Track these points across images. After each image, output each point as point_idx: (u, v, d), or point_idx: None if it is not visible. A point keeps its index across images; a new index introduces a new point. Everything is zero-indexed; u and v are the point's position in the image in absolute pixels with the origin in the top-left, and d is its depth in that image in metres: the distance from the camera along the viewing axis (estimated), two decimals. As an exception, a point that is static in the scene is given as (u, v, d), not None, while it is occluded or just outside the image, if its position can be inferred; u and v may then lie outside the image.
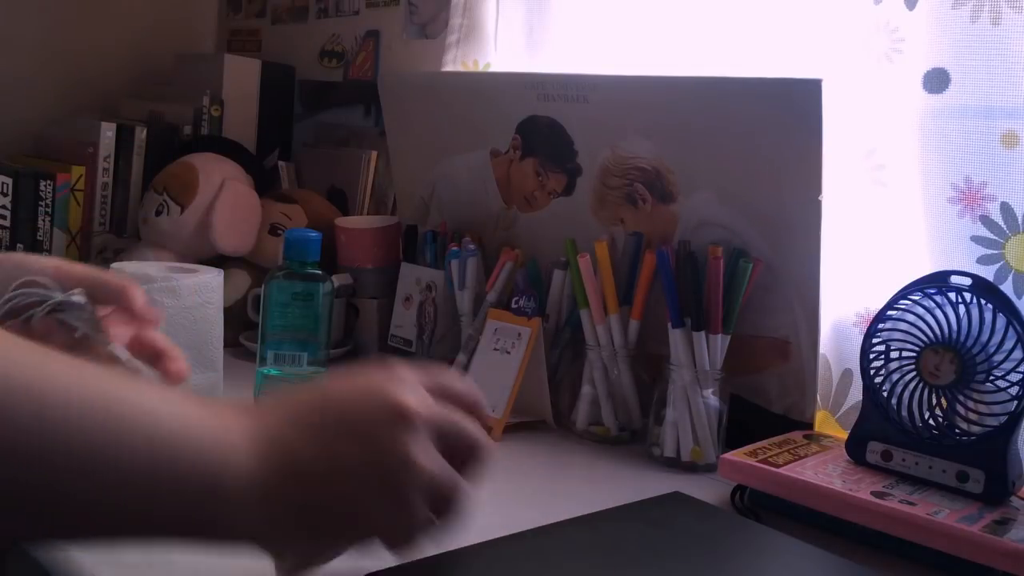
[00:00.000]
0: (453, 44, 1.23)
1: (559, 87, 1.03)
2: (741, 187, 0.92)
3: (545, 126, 1.06)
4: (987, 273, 0.82)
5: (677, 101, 0.95)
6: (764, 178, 0.90)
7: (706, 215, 0.95)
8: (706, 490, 0.83)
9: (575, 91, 1.02)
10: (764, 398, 0.94)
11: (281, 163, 1.42)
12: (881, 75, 0.88)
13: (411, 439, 0.52)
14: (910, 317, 0.78)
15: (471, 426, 0.57)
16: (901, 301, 0.80)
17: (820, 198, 0.86)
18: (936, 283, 0.78)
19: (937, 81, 0.84)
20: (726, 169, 0.93)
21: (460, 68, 1.23)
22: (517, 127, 1.10)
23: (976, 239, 0.84)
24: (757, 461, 0.78)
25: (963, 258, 0.84)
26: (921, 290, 0.79)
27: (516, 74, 1.13)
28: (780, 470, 0.76)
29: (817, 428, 0.92)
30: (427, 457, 0.52)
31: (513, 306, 0.99)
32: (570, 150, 1.05)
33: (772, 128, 0.88)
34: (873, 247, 0.90)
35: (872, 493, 0.73)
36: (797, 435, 0.87)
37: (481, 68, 1.22)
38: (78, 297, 0.67)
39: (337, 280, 1.19)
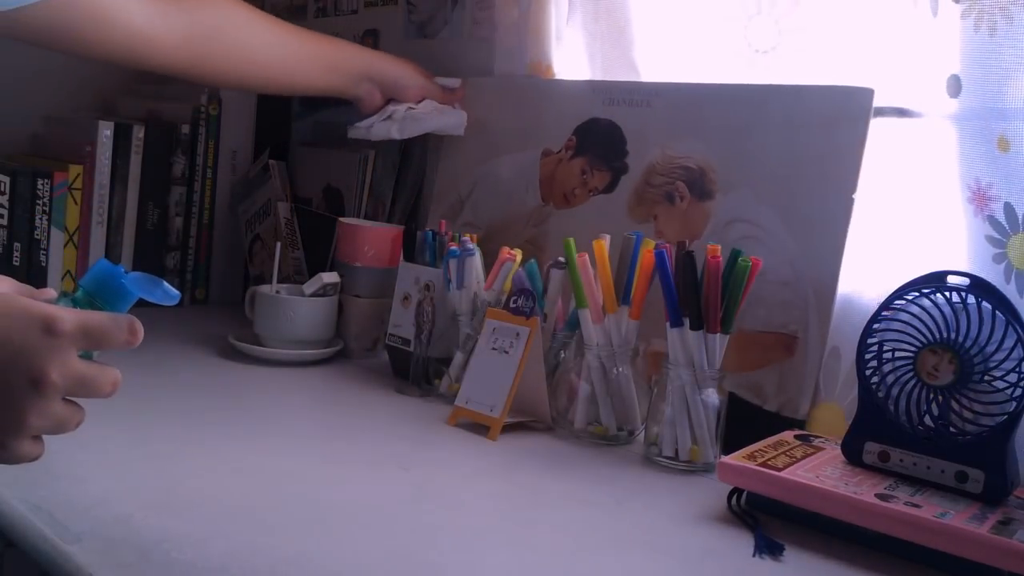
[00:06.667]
0: (513, 46, 1.23)
1: (626, 93, 1.10)
2: (780, 185, 0.96)
3: (603, 127, 1.11)
4: (997, 272, 0.83)
5: (735, 106, 1.01)
6: (804, 176, 0.95)
7: (739, 212, 0.99)
8: (704, 490, 0.83)
9: (641, 96, 1.08)
10: (759, 395, 0.95)
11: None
12: (914, 76, 0.90)
13: (52, 357, 0.52)
14: (904, 316, 0.78)
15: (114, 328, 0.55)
16: (897, 301, 0.80)
17: (854, 196, 0.90)
18: (933, 283, 0.78)
19: (954, 86, 0.86)
20: (769, 168, 0.97)
21: (523, 71, 1.23)
22: (575, 129, 1.14)
23: (988, 239, 0.85)
24: (757, 465, 0.77)
25: (979, 258, 0.85)
26: (918, 290, 0.79)
27: (587, 80, 1.17)
28: (782, 474, 0.76)
29: (820, 419, 0.92)
30: (60, 373, 0.52)
31: (511, 305, 0.99)
32: (621, 150, 1.09)
33: (820, 131, 0.94)
34: (900, 243, 0.92)
35: (876, 495, 0.73)
36: (788, 435, 0.87)
37: (544, 71, 1.22)
38: None
39: (326, 278, 1.19)
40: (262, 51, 1.16)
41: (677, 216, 1.04)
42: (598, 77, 1.17)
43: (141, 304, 0.59)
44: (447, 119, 1.26)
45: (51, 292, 0.57)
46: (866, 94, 0.91)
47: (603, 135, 1.12)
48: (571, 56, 1.20)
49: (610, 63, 1.16)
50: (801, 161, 0.95)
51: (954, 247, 0.88)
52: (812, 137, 0.94)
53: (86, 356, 0.55)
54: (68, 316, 0.53)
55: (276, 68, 1.18)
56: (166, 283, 0.59)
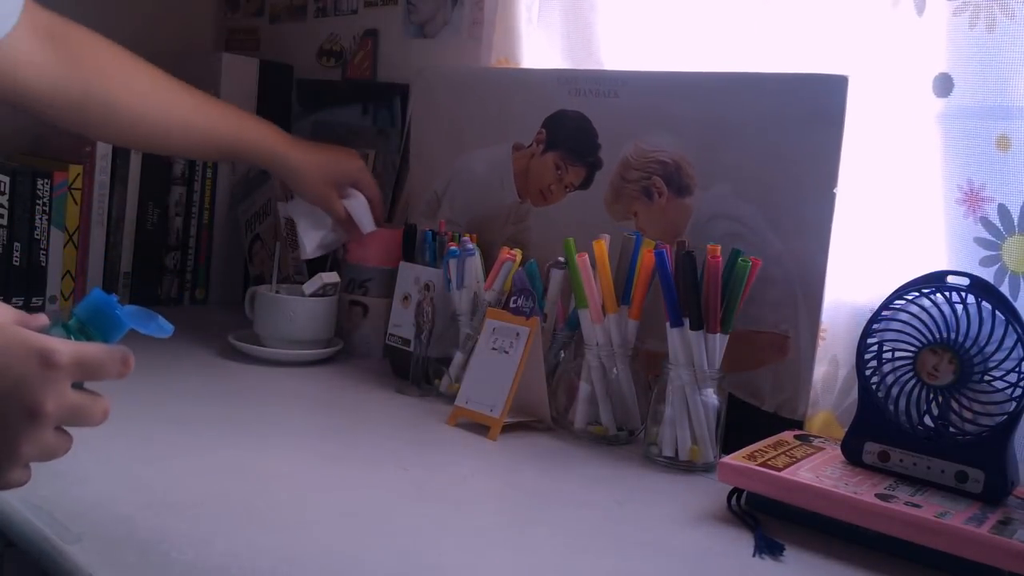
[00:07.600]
0: (486, 42, 1.22)
1: (592, 82, 1.06)
2: (759, 180, 0.94)
3: (573, 120, 1.09)
4: (987, 275, 0.83)
5: (705, 96, 0.97)
6: (782, 171, 0.92)
7: (720, 208, 0.97)
8: (704, 490, 0.83)
9: (607, 86, 1.04)
10: (757, 395, 0.94)
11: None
12: (895, 76, 0.89)
13: (48, 388, 0.53)
14: (904, 316, 0.78)
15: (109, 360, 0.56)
16: (896, 301, 0.80)
17: (835, 191, 0.88)
18: (933, 283, 0.78)
19: (943, 85, 0.86)
20: (746, 162, 0.95)
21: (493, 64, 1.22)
22: (544, 121, 1.11)
23: (978, 240, 0.84)
24: (757, 465, 0.77)
25: (967, 260, 0.85)
26: (918, 290, 0.79)
27: (551, 70, 1.14)
28: (782, 474, 0.76)
29: (819, 427, 0.92)
30: (56, 404, 0.53)
31: (511, 305, 0.99)
32: (593, 144, 1.07)
33: (795, 122, 0.91)
34: (888, 247, 0.91)
35: (876, 495, 0.73)
36: (788, 435, 0.87)
37: (512, 65, 1.21)
38: None
39: (326, 278, 1.19)
40: (157, 124, 1.13)
41: (657, 213, 1.01)
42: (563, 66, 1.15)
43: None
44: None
45: (43, 319, 0.58)
46: (841, 81, 0.88)
47: (573, 128, 1.09)
48: (539, 54, 1.19)
49: (578, 61, 1.15)
50: (777, 154, 0.92)
51: (940, 250, 0.87)
52: (787, 128, 0.91)
53: (76, 384, 0.56)
54: (65, 349, 0.54)
55: (175, 140, 1.16)
56: (161, 317, 0.60)
